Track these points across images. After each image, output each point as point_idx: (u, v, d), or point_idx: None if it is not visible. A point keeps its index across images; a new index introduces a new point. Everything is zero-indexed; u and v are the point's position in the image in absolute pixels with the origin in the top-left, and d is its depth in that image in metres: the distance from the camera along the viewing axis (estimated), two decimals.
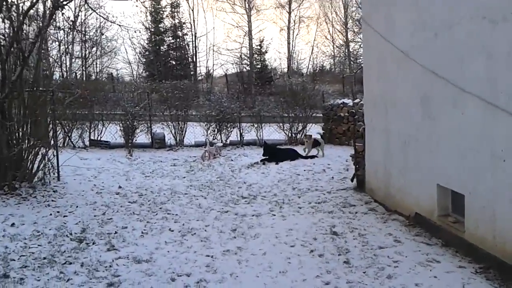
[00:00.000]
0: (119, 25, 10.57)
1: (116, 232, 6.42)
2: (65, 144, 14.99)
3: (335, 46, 39.36)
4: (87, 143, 15.47)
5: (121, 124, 14.90)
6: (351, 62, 37.60)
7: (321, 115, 16.49)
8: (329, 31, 39.00)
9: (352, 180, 9.36)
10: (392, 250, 5.63)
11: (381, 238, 6.10)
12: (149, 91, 16.01)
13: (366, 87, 8.45)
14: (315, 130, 15.67)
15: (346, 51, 38.26)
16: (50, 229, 6.48)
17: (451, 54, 5.52)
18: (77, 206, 7.78)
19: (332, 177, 10.18)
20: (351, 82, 36.49)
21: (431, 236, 6.02)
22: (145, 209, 7.71)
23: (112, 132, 15.70)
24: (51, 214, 7.23)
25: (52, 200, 8.08)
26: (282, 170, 11.21)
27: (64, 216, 7.18)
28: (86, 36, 25.41)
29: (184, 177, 10.56)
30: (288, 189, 9.30)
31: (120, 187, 9.40)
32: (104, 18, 11.53)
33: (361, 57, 37.79)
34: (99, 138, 15.88)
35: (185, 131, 15.86)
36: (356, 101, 15.43)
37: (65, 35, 19.39)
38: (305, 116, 15.75)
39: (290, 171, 11.07)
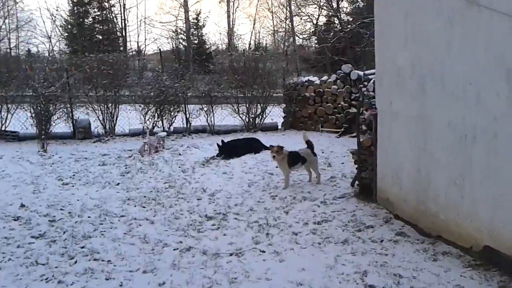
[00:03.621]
0: None
1: None
2: None
3: (276, 21, 36.92)
4: None
5: (32, 110, 11.53)
6: (296, 38, 35.31)
7: (282, 95, 14.04)
8: (271, 4, 36.47)
9: (352, 184, 7.00)
10: None
11: None
12: (69, 66, 12.63)
13: (381, 56, 6.01)
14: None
15: (290, 25, 35.76)
16: None
17: None
18: None
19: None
20: (295, 59, 34.50)
21: None
22: (57, 251, 4.82)
23: (21, 120, 12.30)
24: None
25: None
26: (248, 168, 8.66)
27: None
28: None
29: (118, 184, 7.64)
30: (266, 199, 6.76)
31: (22, 205, 6.40)
32: None
33: (304, 33, 36.24)
34: (3, 128, 12.42)
35: (117, 117, 12.77)
36: (323, 78, 13.14)
37: None
38: (264, 96, 13.19)
39: (259, 169, 8.55)
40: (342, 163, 8.89)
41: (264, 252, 4.82)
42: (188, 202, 6.62)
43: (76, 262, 4.54)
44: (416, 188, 5.31)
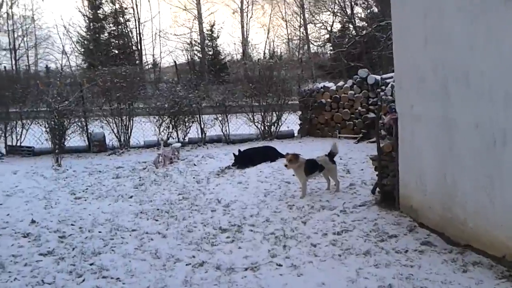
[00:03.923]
0: None
1: None
2: None
3: (290, 29, 36.77)
4: (3, 150, 12.07)
5: (46, 125, 11.51)
6: (310, 45, 35.04)
7: (297, 102, 13.81)
8: (284, 13, 36.38)
9: (373, 192, 6.69)
10: None
11: None
12: (83, 80, 12.62)
13: (399, 58, 5.74)
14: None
15: (304, 33, 35.51)
16: None
17: None
18: None
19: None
20: (310, 67, 34.21)
21: None
22: (65, 268, 4.63)
23: (37, 135, 12.32)
24: None
25: None
26: (264, 177, 8.41)
27: None
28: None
29: (131, 197, 7.47)
30: (282, 208, 6.50)
31: (33, 221, 6.25)
32: None
33: (319, 41, 35.88)
34: (19, 144, 12.46)
35: (131, 129, 12.68)
36: (340, 84, 12.86)
37: None
38: (280, 104, 12.97)
39: (275, 178, 8.29)
40: (362, 170, 8.58)
41: (281, 266, 4.54)
42: (202, 214, 6.39)
43: (84, 280, 4.34)
44: (442, 194, 4.98)
